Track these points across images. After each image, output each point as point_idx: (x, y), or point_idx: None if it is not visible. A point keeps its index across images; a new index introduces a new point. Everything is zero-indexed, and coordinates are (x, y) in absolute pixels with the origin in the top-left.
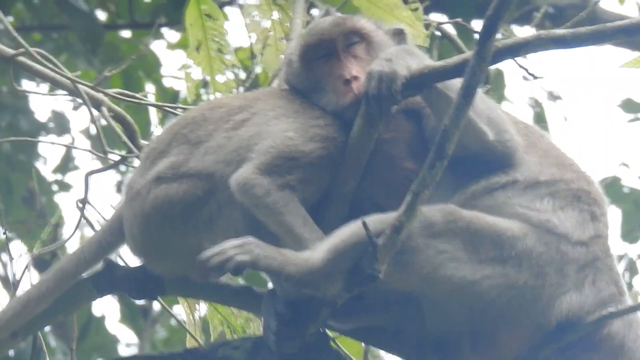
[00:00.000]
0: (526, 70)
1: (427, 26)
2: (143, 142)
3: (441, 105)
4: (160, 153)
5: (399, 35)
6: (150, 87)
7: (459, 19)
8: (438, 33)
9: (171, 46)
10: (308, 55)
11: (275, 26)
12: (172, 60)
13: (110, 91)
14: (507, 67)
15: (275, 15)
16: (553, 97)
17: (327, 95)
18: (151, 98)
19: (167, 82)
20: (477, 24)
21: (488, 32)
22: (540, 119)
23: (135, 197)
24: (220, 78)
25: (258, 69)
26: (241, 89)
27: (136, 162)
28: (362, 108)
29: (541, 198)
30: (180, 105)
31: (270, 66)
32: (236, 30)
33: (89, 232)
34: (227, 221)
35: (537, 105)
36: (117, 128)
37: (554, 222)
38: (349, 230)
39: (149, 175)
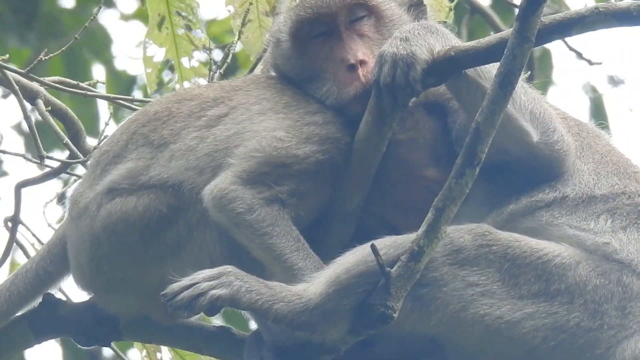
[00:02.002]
0: (579, 54)
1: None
2: (90, 144)
3: (472, 98)
4: (114, 158)
5: (417, 9)
6: (99, 71)
7: None
8: (467, 6)
9: (125, 17)
10: (301, 34)
11: None
12: (127, 35)
13: (48, 79)
14: (556, 44)
15: None
16: (615, 81)
17: (326, 84)
18: (100, 88)
19: (120, 64)
20: None
21: (532, 4)
22: (597, 110)
23: (82, 215)
24: (188, 62)
25: (237, 50)
26: (216, 76)
27: (82, 170)
28: (371, 101)
29: (597, 216)
30: (139, 98)
31: (253, 48)
32: (209, 0)
33: (21, 259)
34: (200, 246)
35: (594, 92)
36: (57, 126)
37: (613, 246)
38: (355, 257)
39: (99, 187)
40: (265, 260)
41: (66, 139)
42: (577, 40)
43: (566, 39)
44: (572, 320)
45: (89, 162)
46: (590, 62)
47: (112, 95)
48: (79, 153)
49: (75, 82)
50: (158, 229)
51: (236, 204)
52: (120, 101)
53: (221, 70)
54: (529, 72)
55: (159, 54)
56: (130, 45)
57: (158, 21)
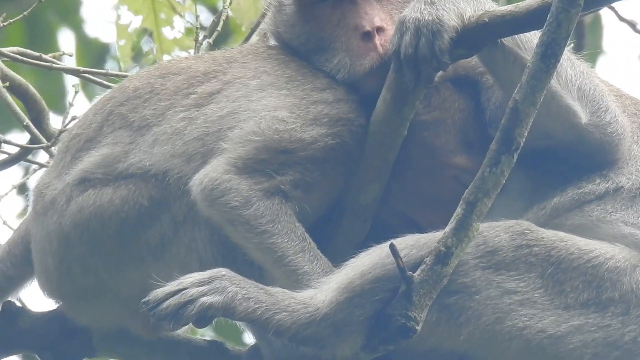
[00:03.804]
0: (632, 25)
1: None
2: (55, 126)
3: (509, 72)
4: (87, 143)
5: None
6: (66, 39)
7: None
8: None
9: None
10: None
11: None
12: None
13: (6, 50)
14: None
15: None
16: None
17: (337, 55)
18: (68, 60)
19: (91, 30)
20: None
21: None
22: None
23: (49, 209)
24: (169, 31)
25: (227, 15)
26: (203, 47)
27: (45, 157)
28: (389, 75)
29: None
30: (113, 72)
31: (245, 15)
32: None
33: None
34: (187, 245)
35: None
36: (16, 105)
37: None
38: (371, 259)
39: (68, 177)
40: (264, 263)
41: (27, 121)
42: (631, 7)
43: (618, 4)
44: (627, 335)
45: (55, 148)
46: None
47: (81, 69)
48: (42, 137)
49: (37, 54)
50: (138, 226)
51: (230, 197)
52: (92, 76)
53: (210, 40)
54: (574, 41)
55: (134, 22)
56: (104, 7)
57: None
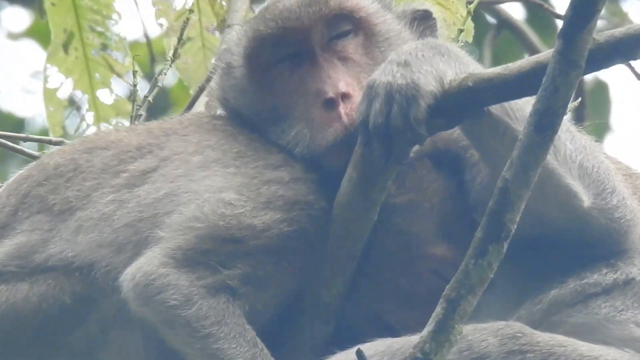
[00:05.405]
0: None
1: (470, 5)
2: None
3: (498, 146)
4: None
5: (422, 23)
6: None
7: None
8: (493, 19)
9: (14, 36)
10: (261, 57)
11: (200, 5)
12: (16, 60)
13: None
14: (617, 70)
15: None
16: None
17: (294, 127)
18: None
19: (5, 103)
20: (560, 2)
21: (581, 16)
22: None
23: None
24: (106, 95)
25: (171, 83)
26: (142, 115)
27: None
28: (356, 150)
29: None
30: (33, 136)
31: (193, 76)
32: (133, 12)
33: None
34: (118, 351)
35: None
36: None
37: None
38: None
39: None
40: None
41: None
42: None
43: (632, 63)
44: None
45: None
46: None
47: None
48: None
49: None
50: (59, 328)
51: (168, 294)
52: (6, 141)
53: (150, 98)
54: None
55: (65, 85)
56: (22, 75)
57: (64, 40)
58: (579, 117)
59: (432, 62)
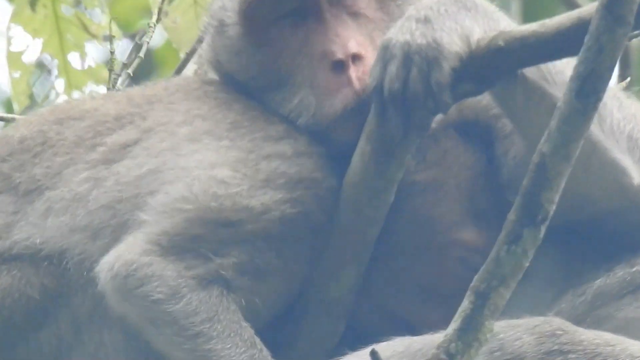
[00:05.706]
0: None
1: None
2: None
3: (533, 115)
4: None
5: None
6: None
7: None
8: None
9: None
10: (259, 13)
11: None
12: None
13: None
14: None
15: None
16: None
17: (298, 93)
18: None
19: None
20: None
21: None
22: None
23: None
24: (78, 60)
25: (157, 44)
26: (121, 81)
27: None
28: (369, 120)
29: None
30: None
31: (183, 37)
32: None
33: None
34: (94, 353)
35: None
36: None
37: None
38: None
39: None
40: None
41: None
42: None
43: None
44: None
45: None
46: None
47: None
48: None
49: None
50: (26, 326)
51: (152, 286)
52: None
53: (129, 71)
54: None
55: (32, 47)
56: None
57: None
58: (628, 83)
59: (456, 18)
